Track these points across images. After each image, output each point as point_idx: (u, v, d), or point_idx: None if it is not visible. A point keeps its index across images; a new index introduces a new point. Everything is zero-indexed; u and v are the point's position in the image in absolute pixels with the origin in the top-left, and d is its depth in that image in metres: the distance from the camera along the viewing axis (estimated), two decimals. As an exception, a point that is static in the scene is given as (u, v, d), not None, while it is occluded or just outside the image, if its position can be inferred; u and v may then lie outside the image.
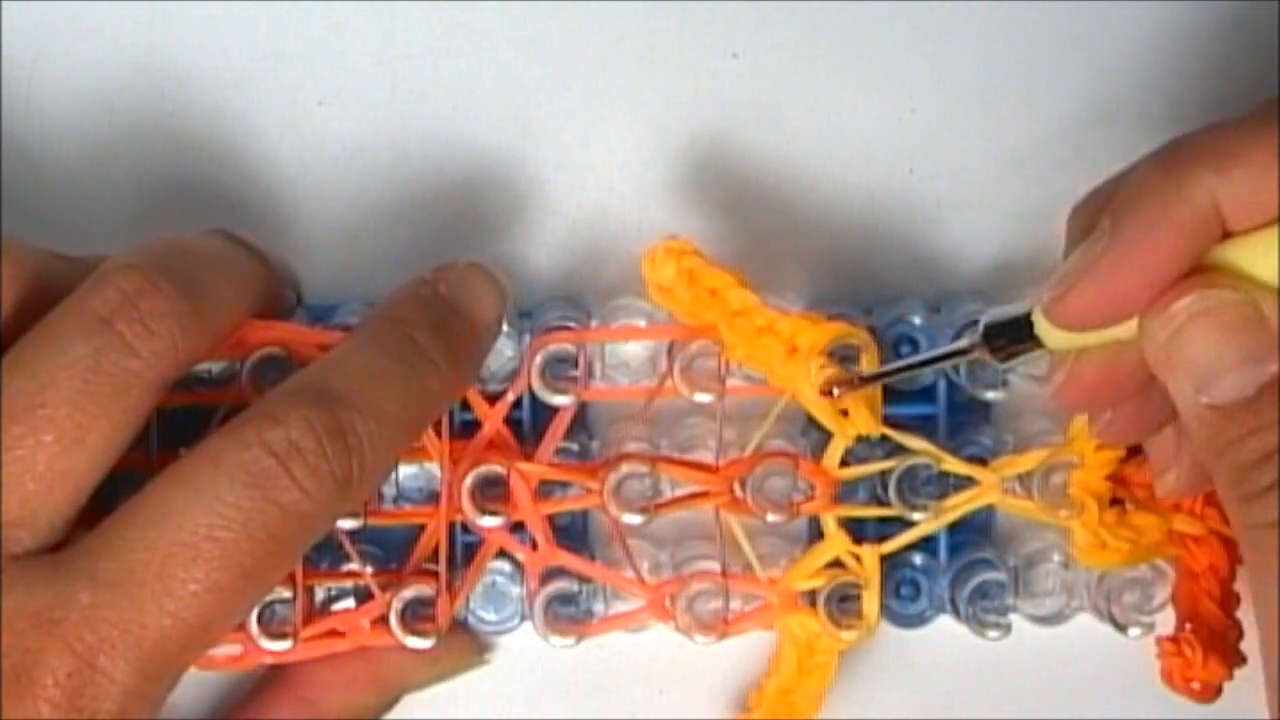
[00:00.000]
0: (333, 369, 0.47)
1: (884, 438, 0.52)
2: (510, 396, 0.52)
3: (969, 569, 0.54)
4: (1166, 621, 0.54)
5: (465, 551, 0.53)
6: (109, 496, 0.46)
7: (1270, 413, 0.42)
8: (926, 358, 0.50)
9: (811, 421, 0.52)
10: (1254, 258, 0.42)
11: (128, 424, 0.46)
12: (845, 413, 0.51)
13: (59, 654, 0.43)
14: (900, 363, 0.50)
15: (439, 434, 0.51)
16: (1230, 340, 0.42)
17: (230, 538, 0.44)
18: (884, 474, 0.53)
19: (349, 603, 0.53)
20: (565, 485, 0.53)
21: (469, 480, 0.51)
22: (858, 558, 0.53)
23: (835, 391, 0.50)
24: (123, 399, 0.46)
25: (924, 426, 0.53)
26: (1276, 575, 0.42)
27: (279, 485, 0.45)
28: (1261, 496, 0.42)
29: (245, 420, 0.46)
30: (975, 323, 0.48)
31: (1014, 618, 0.54)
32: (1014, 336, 0.47)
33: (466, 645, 0.55)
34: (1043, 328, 0.46)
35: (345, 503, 0.46)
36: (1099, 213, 0.45)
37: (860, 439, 0.52)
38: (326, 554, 0.53)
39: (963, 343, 0.48)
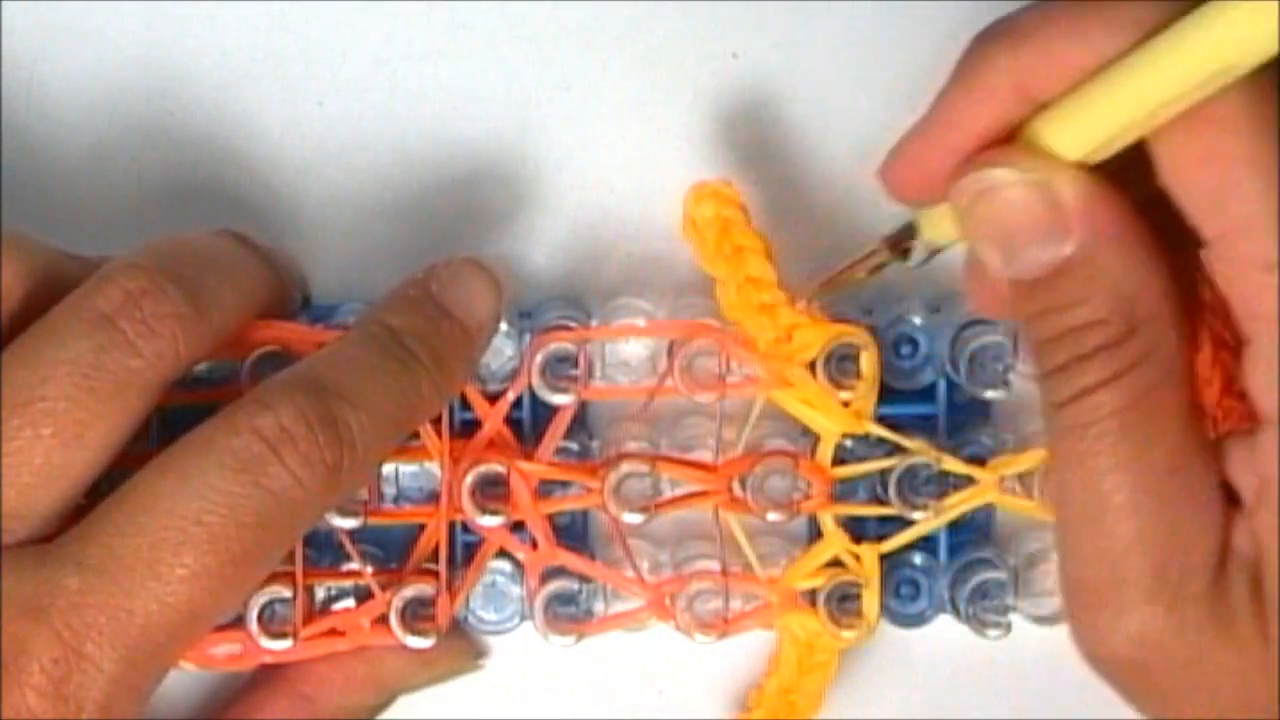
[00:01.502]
0: (323, 364, 0.47)
1: (884, 437, 0.52)
2: (510, 396, 0.52)
3: (969, 569, 0.54)
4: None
5: (465, 551, 0.53)
6: (106, 496, 0.46)
7: (1065, 294, 0.43)
8: (845, 265, 0.50)
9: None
10: (1059, 130, 0.42)
11: (126, 422, 0.46)
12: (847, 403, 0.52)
13: (45, 641, 0.44)
14: (830, 273, 0.51)
15: (439, 433, 0.51)
16: (1017, 220, 0.43)
17: (219, 523, 0.44)
18: (884, 473, 0.53)
19: (349, 602, 0.52)
20: (565, 484, 0.53)
21: (469, 479, 0.51)
22: (857, 557, 0.53)
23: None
24: (122, 397, 0.46)
25: (924, 426, 0.53)
26: (1067, 455, 0.43)
27: (269, 471, 0.45)
28: (1054, 376, 0.43)
29: (236, 408, 0.46)
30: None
31: (1014, 618, 0.54)
32: (908, 235, 0.48)
33: (462, 649, 0.55)
34: (922, 224, 0.47)
35: (335, 492, 0.46)
36: None
37: (857, 437, 0.52)
38: (327, 553, 0.53)
39: (871, 247, 0.49)
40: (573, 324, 0.53)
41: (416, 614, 0.52)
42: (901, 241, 0.48)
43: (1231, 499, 0.43)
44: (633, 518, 0.52)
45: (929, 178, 0.45)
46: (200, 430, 0.46)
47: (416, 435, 0.51)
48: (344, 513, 0.50)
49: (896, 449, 0.53)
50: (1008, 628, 0.53)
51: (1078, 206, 0.42)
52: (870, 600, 0.52)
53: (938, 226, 0.47)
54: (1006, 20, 0.43)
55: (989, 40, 0.43)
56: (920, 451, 0.52)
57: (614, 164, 0.55)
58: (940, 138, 0.44)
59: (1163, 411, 0.42)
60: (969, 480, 0.53)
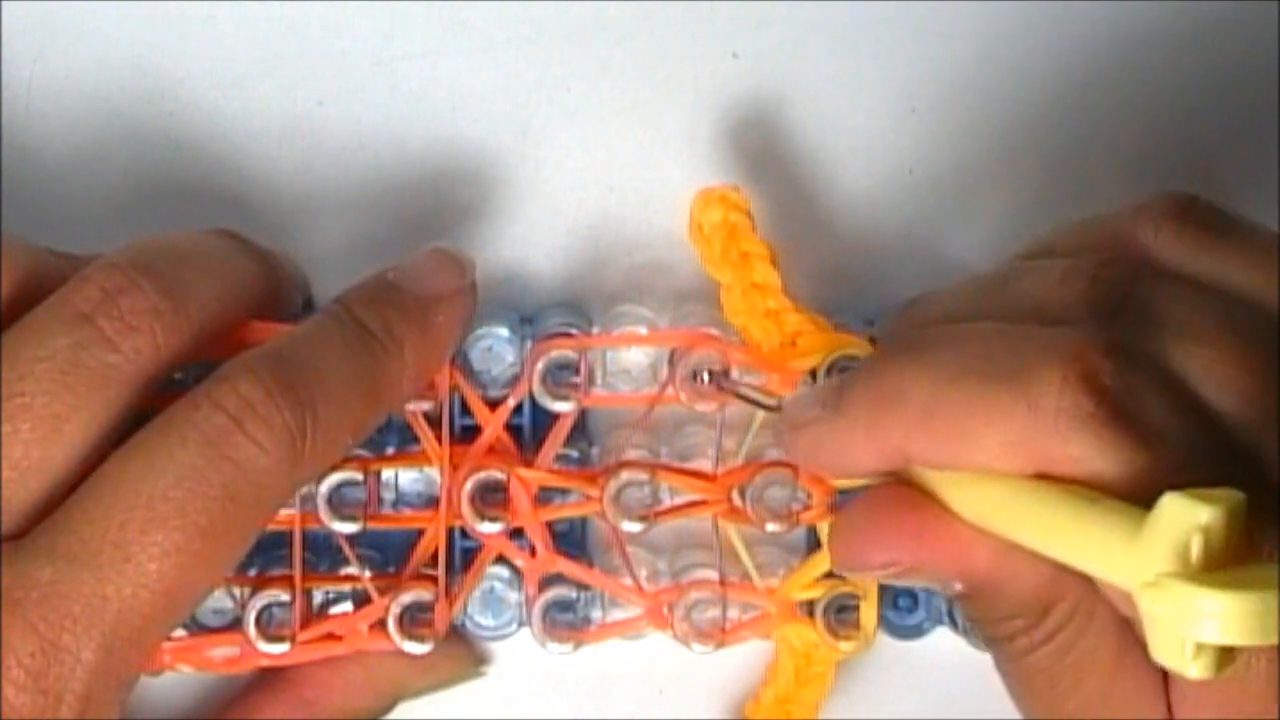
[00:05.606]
0: (280, 341, 0.48)
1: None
2: (511, 402, 0.52)
3: (967, 580, 0.54)
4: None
5: (464, 557, 0.53)
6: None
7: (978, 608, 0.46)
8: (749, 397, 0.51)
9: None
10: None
11: (107, 417, 0.46)
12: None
13: (22, 634, 0.44)
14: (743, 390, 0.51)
15: (439, 439, 0.51)
16: None
17: (185, 497, 0.44)
18: (883, 484, 0.53)
19: (347, 606, 0.53)
20: (565, 492, 0.53)
21: (469, 485, 0.51)
22: (856, 568, 0.53)
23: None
24: (101, 392, 0.46)
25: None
26: (1014, 692, 0.47)
27: (232, 441, 0.45)
28: (989, 643, 0.47)
29: (197, 387, 0.46)
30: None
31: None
32: None
33: (463, 655, 0.55)
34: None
35: (301, 462, 0.46)
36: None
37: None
38: (325, 557, 0.53)
39: (773, 401, 0.51)
40: (574, 331, 0.53)
41: (414, 619, 0.52)
42: None
43: None
44: (632, 526, 0.52)
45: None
46: (164, 413, 0.46)
47: (416, 440, 0.51)
48: (343, 517, 0.50)
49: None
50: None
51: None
52: (868, 612, 0.52)
53: None
54: (904, 394, 0.44)
55: (886, 413, 0.45)
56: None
57: (614, 165, 0.55)
58: (843, 464, 0.47)
59: (1088, 658, 0.45)
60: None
